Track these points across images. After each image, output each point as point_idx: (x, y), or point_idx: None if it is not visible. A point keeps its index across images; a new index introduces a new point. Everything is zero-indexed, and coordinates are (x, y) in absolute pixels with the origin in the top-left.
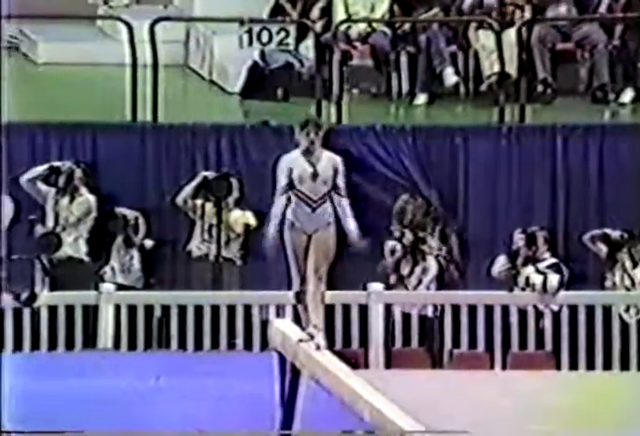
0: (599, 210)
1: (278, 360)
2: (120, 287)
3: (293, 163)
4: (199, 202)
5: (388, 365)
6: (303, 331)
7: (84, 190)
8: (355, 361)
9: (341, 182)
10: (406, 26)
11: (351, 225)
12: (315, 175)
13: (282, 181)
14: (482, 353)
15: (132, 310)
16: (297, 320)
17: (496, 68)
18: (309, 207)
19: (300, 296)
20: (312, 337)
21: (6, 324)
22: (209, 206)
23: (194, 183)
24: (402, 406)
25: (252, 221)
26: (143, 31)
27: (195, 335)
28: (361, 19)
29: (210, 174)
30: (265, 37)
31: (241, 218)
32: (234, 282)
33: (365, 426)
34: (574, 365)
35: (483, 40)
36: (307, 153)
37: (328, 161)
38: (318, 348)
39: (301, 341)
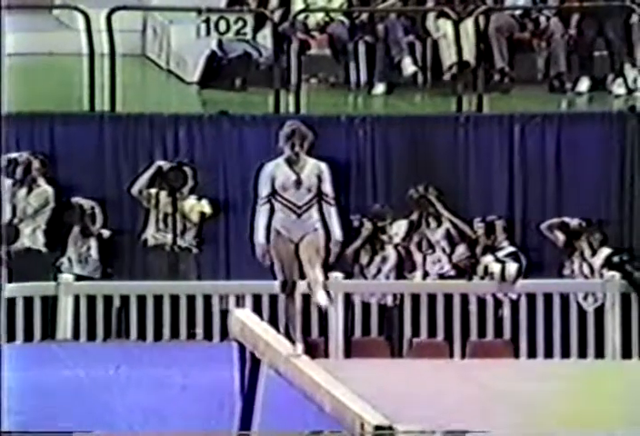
0: (557, 199)
1: (238, 349)
2: (78, 277)
3: (275, 171)
4: (153, 191)
5: (348, 354)
6: (287, 332)
7: (41, 181)
8: (315, 351)
9: (328, 189)
10: (364, 16)
11: (336, 233)
12: (298, 183)
13: (263, 191)
14: (441, 342)
15: (91, 300)
16: (257, 309)
17: (456, 58)
18: (294, 213)
19: (285, 287)
20: (307, 352)
21: None
22: (163, 195)
23: (148, 173)
24: (362, 395)
25: (207, 209)
26: (100, 20)
27: (155, 325)
28: (319, 9)
29: (164, 164)
30: (222, 27)
31: (196, 206)
32: (190, 271)
33: (324, 416)
34: (532, 353)
35: (444, 29)
36: (291, 161)
37: (312, 169)
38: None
39: (291, 356)
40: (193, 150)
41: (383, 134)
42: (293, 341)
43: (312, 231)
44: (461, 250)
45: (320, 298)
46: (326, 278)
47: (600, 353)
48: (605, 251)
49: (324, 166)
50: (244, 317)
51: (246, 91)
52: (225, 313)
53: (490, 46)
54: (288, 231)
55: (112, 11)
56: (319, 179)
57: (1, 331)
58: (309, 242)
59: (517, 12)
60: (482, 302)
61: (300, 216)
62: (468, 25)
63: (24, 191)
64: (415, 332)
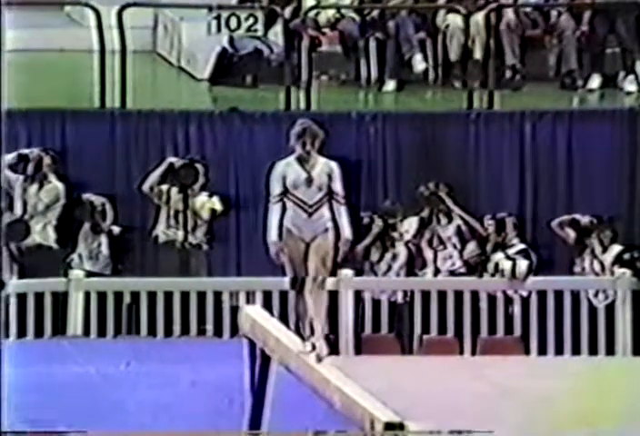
0: (567, 196)
1: (248, 346)
2: (89, 274)
3: (286, 170)
4: (164, 187)
5: (358, 351)
6: (297, 329)
7: (52, 177)
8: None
9: (338, 188)
10: (375, 13)
11: (346, 232)
12: (309, 181)
13: (275, 189)
14: (451, 339)
15: (101, 296)
16: (267, 306)
17: (459, 52)
18: (305, 212)
19: (294, 284)
20: (313, 347)
21: None
22: (174, 192)
23: (159, 170)
24: (372, 392)
25: (218, 206)
26: (111, 17)
27: (165, 321)
28: (330, 5)
29: (176, 161)
30: (233, 23)
31: (207, 203)
32: (201, 267)
33: (334, 413)
34: (542, 350)
35: (455, 25)
36: (302, 159)
37: (323, 167)
38: (319, 360)
39: (302, 353)
40: (204, 147)
41: (393, 131)
42: (303, 338)
43: (322, 232)
44: (471, 247)
45: (319, 347)
46: (334, 275)
47: (611, 350)
48: (616, 248)
49: (334, 165)
50: (254, 313)
51: (257, 88)
52: (235, 310)
53: (501, 43)
54: (299, 230)
55: (123, 7)
56: (330, 178)
57: (1, 328)
58: (319, 246)
59: (528, 9)
60: (492, 299)
61: (311, 215)
62: (479, 21)
63: (34, 187)
64: (426, 329)
